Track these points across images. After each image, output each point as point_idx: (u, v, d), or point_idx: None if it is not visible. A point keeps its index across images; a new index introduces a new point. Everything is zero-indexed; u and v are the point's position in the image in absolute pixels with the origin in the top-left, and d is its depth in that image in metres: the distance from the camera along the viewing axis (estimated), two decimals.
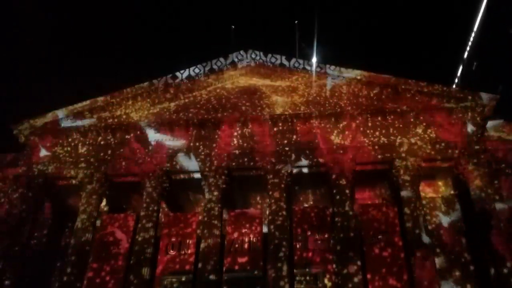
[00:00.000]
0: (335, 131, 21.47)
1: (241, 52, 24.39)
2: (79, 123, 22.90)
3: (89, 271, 19.47)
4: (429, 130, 21.02)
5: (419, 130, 21.07)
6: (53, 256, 22.14)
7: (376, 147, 20.89)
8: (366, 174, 21.15)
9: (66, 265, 19.51)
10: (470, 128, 20.86)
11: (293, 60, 24.07)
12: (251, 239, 19.80)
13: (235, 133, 21.93)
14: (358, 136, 21.25)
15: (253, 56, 24.36)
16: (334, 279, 18.35)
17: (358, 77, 22.65)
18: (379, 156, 20.73)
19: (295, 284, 18.56)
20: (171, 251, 19.98)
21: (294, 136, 21.59)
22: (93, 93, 23.57)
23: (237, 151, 21.47)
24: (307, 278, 18.65)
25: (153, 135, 22.26)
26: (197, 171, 21.50)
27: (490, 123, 21.66)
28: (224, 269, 19.08)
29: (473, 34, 36.48)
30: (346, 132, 21.41)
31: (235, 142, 21.74)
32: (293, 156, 21.07)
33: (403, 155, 20.48)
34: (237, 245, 19.69)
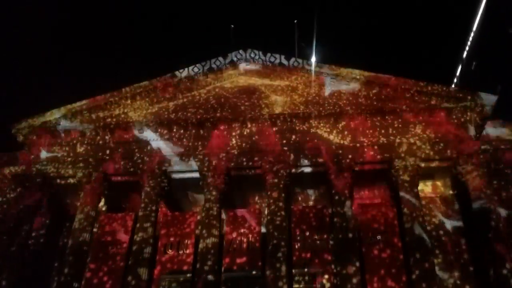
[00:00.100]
0: (334, 131, 21.43)
1: (240, 51, 24.34)
2: (77, 122, 22.85)
3: (87, 271, 19.42)
4: (428, 130, 21.00)
5: (418, 130, 21.05)
6: (51, 256, 22.03)
7: (375, 147, 20.87)
8: (365, 174, 21.13)
9: (64, 265, 19.46)
10: (469, 128, 20.85)
11: (293, 59, 24.03)
12: (250, 239, 19.76)
13: (234, 133, 21.89)
14: (357, 136, 21.22)
15: (252, 55, 24.31)
16: (332, 279, 18.33)
17: (357, 77, 22.61)
18: (378, 156, 20.71)
19: (294, 284, 18.54)
20: (170, 251, 19.97)
21: (293, 136, 21.55)
22: (92, 93, 23.58)
23: (236, 151, 21.43)
24: (306, 278, 18.63)
25: (151, 135, 22.21)
26: (195, 171, 21.46)
27: (489, 123, 21.62)
28: (222, 269, 19.05)
29: (472, 34, 36.44)
30: (345, 132, 21.37)
31: (234, 141, 21.70)
32: (292, 156, 21.04)
33: (402, 155, 20.46)
34: (235, 245, 19.66)
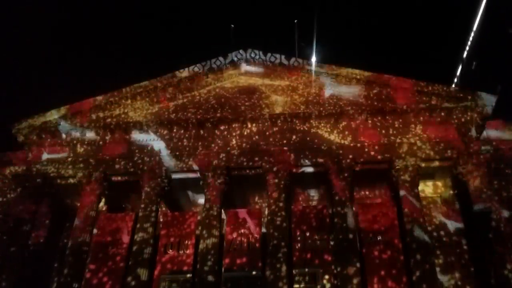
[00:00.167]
0: (335, 131, 21.42)
1: (241, 51, 24.29)
2: (77, 122, 22.83)
3: (87, 271, 19.39)
4: (429, 130, 20.97)
5: (419, 130, 21.02)
6: (51, 256, 22.07)
7: (376, 147, 20.85)
8: (365, 174, 21.10)
9: (63, 266, 19.44)
10: (469, 128, 20.83)
11: (293, 59, 23.99)
12: (250, 239, 19.71)
13: (234, 133, 21.88)
14: (358, 136, 21.19)
15: (252, 55, 24.29)
16: (333, 280, 18.29)
17: (358, 77, 22.59)
18: (379, 156, 20.68)
19: (294, 284, 18.48)
20: (170, 251, 19.92)
21: (294, 136, 21.53)
22: (92, 93, 23.53)
23: (236, 151, 21.41)
24: (306, 278, 18.58)
25: (152, 135, 22.20)
26: (196, 171, 21.45)
27: (489, 123, 21.59)
28: (223, 269, 19.03)
29: (472, 34, 36.40)
30: (346, 132, 21.36)
31: (234, 142, 21.69)
32: (293, 156, 21.02)
33: (403, 155, 20.43)
34: (236, 245, 19.61)
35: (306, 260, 18.88)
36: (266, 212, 20.44)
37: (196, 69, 23.91)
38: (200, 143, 21.77)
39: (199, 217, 20.98)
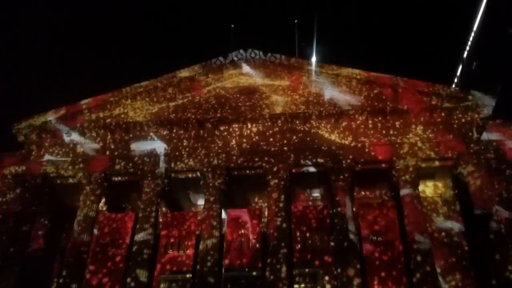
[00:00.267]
0: (335, 131, 21.39)
1: (241, 51, 24.28)
2: (78, 122, 22.81)
3: (87, 272, 19.35)
4: (429, 130, 20.95)
5: (419, 130, 21.00)
6: (52, 256, 22.03)
7: (376, 147, 20.82)
8: (365, 174, 21.07)
9: (63, 266, 19.41)
10: (470, 128, 20.80)
11: (293, 59, 24.05)
12: (250, 239, 19.70)
13: (235, 133, 21.85)
14: (358, 136, 21.17)
15: (252, 55, 24.27)
16: (333, 280, 18.25)
17: (358, 77, 22.57)
18: (379, 157, 20.65)
19: (294, 285, 18.48)
20: (170, 251, 19.90)
21: (294, 136, 21.51)
22: (92, 93, 23.53)
23: (236, 151, 21.38)
24: (306, 279, 18.57)
25: (152, 135, 22.17)
26: (196, 171, 21.42)
27: (490, 123, 21.56)
28: (223, 270, 19.00)
29: (473, 34, 36.36)
30: (346, 132, 21.33)
31: (234, 142, 21.65)
32: (293, 156, 20.99)
33: (403, 155, 20.41)
34: (236, 246, 19.59)
35: (306, 260, 18.86)
36: (266, 213, 20.43)
37: (196, 69, 23.91)
38: (200, 143, 21.74)
39: (199, 217, 20.97)
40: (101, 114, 23.13)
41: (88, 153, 22.08)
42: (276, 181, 20.37)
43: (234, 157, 21.28)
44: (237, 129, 21.89)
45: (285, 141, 21.38)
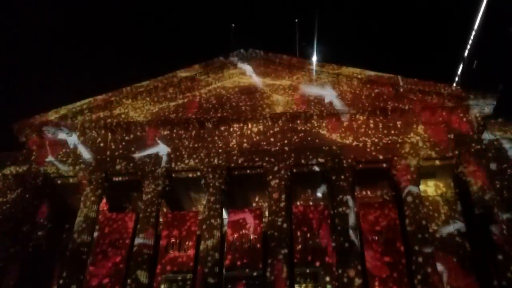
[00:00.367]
0: (336, 131, 21.34)
1: (242, 50, 24.25)
2: (78, 122, 22.80)
3: (87, 272, 19.35)
4: (430, 130, 20.90)
5: (420, 130, 20.96)
6: (52, 257, 21.99)
7: (377, 146, 20.78)
8: (366, 173, 21.02)
9: (64, 266, 19.38)
10: (471, 127, 20.75)
11: (294, 58, 24.04)
12: (251, 239, 19.68)
13: (235, 133, 21.81)
14: (359, 136, 21.13)
15: (253, 55, 24.24)
16: (333, 281, 18.22)
17: (359, 76, 22.54)
18: (380, 156, 20.61)
19: (295, 285, 18.48)
20: (171, 251, 19.89)
21: (295, 136, 21.47)
22: (92, 93, 23.51)
23: (237, 151, 21.34)
24: (307, 279, 18.55)
25: (152, 135, 22.14)
26: (197, 171, 21.39)
27: (491, 122, 21.50)
28: (223, 270, 18.99)
29: (473, 33, 36.30)
30: (347, 132, 21.29)
31: (235, 141, 21.62)
32: (293, 156, 20.94)
33: (404, 154, 20.36)
34: (236, 246, 19.57)
35: (307, 261, 18.83)
36: (267, 213, 20.36)
37: (196, 68, 23.88)
38: (200, 143, 21.71)
39: (200, 217, 20.96)
40: (101, 114, 23.11)
41: (88, 153, 22.05)
42: (277, 181, 20.33)
43: (235, 157, 21.24)
44: (237, 129, 21.86)
45: (285, 141, 21.34)
